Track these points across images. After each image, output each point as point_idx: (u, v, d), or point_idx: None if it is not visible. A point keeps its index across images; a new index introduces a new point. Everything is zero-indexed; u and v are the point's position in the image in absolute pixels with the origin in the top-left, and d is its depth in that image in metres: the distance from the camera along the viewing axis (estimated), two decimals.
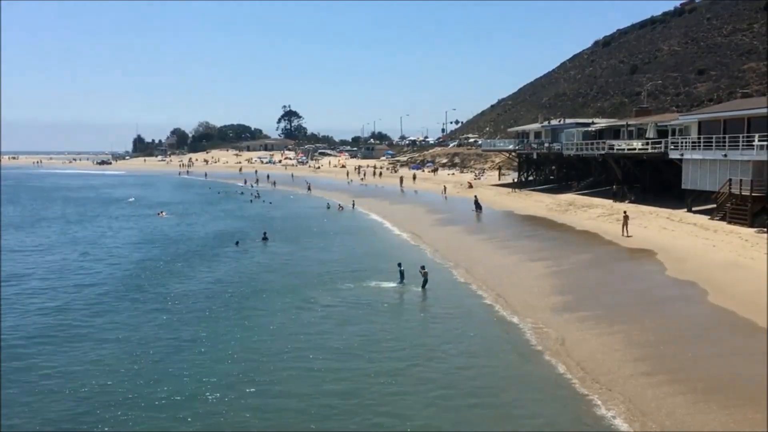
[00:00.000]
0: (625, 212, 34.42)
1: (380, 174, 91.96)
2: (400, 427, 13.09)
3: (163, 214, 52.20)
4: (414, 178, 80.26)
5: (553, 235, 35.71)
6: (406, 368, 16.26)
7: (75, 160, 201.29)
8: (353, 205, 56.44)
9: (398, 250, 33.17)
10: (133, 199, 69.34)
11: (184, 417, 13.45)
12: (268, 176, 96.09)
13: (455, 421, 13.26)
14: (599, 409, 13.40)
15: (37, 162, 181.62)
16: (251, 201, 64.64)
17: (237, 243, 36.10)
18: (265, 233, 38.00)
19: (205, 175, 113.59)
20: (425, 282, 24.49)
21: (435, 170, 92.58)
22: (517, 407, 13.85)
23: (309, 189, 75.71)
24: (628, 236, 31.64)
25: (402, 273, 25.06)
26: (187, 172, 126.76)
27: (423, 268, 25.11)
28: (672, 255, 26.26)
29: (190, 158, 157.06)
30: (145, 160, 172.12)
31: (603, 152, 48.49)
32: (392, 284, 25.09)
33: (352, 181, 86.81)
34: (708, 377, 14.30)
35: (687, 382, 14.09)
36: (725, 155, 34.21)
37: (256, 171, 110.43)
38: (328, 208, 54.93)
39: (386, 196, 63.63)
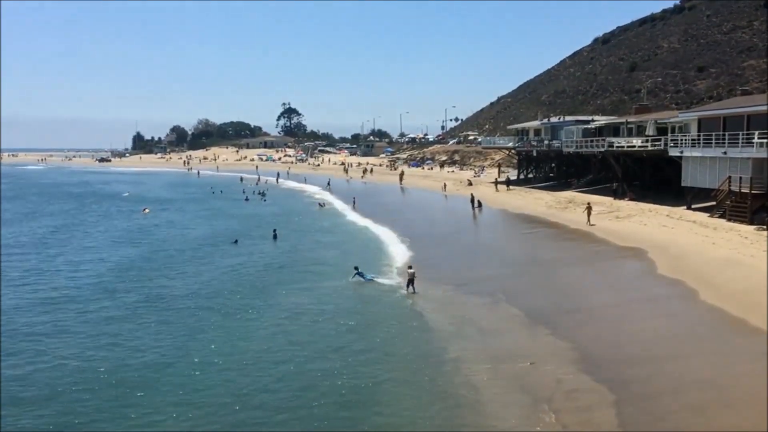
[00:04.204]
0: (588, 203, 37.81)
1: (371, 171, 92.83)
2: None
3: (146, 210, 52.96)
4: (402, 174, 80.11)
5: (547, 233, 35.79)
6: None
7: (74, 157, 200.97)
8: (354, 203, 56.36)
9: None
10: (127, 194, 70.48)
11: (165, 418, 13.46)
12: (278, 174, 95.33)
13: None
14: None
15: (41, 159, 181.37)
16: (246, 199, 63.36)
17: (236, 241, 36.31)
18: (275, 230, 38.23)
19: (198, 174, 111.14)
20: (412, 281, 24.23)
21: (441, 166, 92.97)
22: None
23: (329, 185, 75.36)
24: (591, 225, 34.99)
25: (360, 274, 25.46)
26: (190, 168, 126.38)
27: (410, 267, 25.05)
28: (670, 252, 26.22)
29: (189, 155, 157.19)
30: (141, 158, 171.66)
31: (603, 150, 48.47)
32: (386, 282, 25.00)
33: (351, 178, 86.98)
34: (701, 379, 14.28)
35: (680, 383, 14.11)
36: (725, 153, 34.19)
37: (257, 167, 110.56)
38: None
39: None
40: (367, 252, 32.87)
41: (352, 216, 49.14)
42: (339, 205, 57.44)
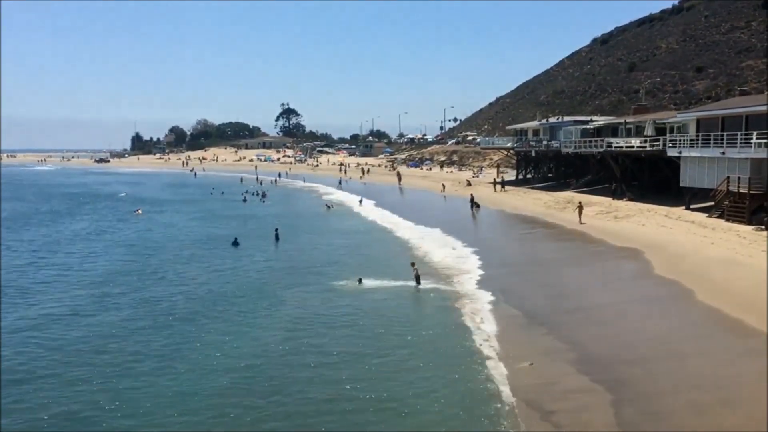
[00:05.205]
0: (579, 202, 38.69)
1: (368, 171, 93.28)
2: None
3: (139, 211, 52.88)
4: (399, 174, 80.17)
5: (545, 233, 35.83)
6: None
7: (73, 158, 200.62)
8: (360, 203, 56.31)
9: None
10: (124, 194, 70.72)
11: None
12: (279, 175, 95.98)
13: None
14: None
15: (41, 160, 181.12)
16: (244, 200, 62.56)
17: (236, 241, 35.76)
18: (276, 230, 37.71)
19: (195, 174, 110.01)
20: (418, 279, 24.35)
21: (440, 167, 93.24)
22: None
23: (340, 184, 77.13)
24: (582, 223, 35.76)
25: None
26: (191, 168, 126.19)
27: (413, 265, 24.92)
28: (668, 252, 26.23)
29: (188, 156, 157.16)
30: (139, 158, 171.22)
31: (601, 150, 48.50)
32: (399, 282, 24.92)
33: (350, 178, 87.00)
34: (700, 379, 14.25)
35: (679, 383, 14.10)
36: (723, 153, 34.22)
37: (256, 167, 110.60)
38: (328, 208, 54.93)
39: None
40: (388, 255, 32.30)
41: (372, 215, 48.50)
42: (355, 206, 56.15)
